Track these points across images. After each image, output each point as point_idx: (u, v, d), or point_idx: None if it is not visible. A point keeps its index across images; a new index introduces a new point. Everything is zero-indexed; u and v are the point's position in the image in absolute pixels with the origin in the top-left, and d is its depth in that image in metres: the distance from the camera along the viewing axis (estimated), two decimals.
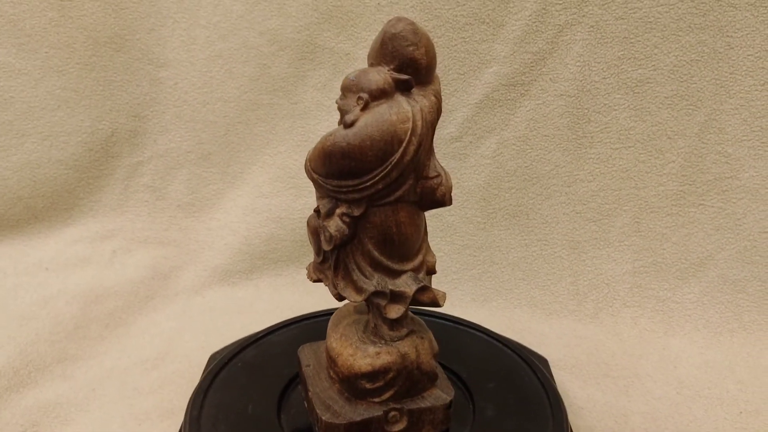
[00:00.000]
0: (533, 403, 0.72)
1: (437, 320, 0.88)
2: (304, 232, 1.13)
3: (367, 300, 0.61)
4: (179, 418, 0.76)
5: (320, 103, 1.12)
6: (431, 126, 0.57)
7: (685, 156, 1.04)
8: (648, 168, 1.05)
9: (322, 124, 1.12)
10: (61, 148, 1.15)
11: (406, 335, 0.63)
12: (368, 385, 0.63)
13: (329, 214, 0.59)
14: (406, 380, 0.63)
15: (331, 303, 0.91)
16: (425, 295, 0.60)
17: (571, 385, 0.88)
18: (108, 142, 1.17)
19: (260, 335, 0.85)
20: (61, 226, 1.17)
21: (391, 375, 0.62)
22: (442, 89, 0.61)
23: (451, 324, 0.89)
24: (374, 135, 0.54)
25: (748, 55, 0.99)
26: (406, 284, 0.59)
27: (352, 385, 0.63)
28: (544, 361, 0.86)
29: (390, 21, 0.57)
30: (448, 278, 1.10)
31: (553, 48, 1.04)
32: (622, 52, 1.02)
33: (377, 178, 0.55)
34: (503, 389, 0.75)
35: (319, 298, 0.99)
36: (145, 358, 0.93)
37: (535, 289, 1.08)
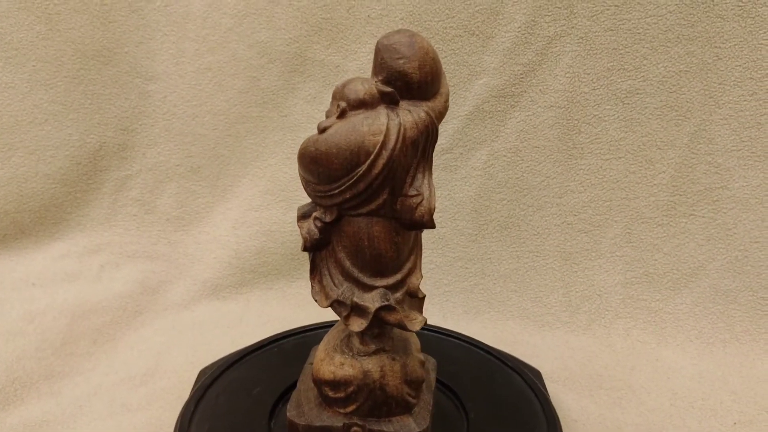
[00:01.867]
0: (527, 416, 0.72)
1: (429, 333, 0.88)
2: (294, 245, 1.13)
3: (332, 308, 0.61)
4: None
5: (310, 115, 1.12)
6: (411, 143, 0.55)
7: (675, 166, 1.04)
8: (638, 179, 1.05)
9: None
10: (49, 162, 1.14)
11: (373, 352, 0.62)
12: (331, 393, 0.63)
13: (305, 216, 0.59)
14: (367, 398, 0.62)
15: (323, 317, 0.91)
16: (391, 316, 0.59)
17: (564, 397, 0.88)
18: (96, 156, 1.16)
19: (250, 350, 0.84)
20: (48, 241, 1.15)
21: (351, 389, 0.62)
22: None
23: (443, 337, 0.89)
24: (341, 144, 0.54)
25: (737, 66, 1.00)
26: (372, 300, 0.58)
27: (320, 389, 0.64)
28: (537, 374, 0.85)
29: (389, 32, 0.57)
30: (440, 290, 1.09)
31: (542, 59, 1.04)
32: (612, 64, 1.02)
33: (344, 187, 0.55)
34: (497, 402, 0.74)
35: (311, 311, 0.98)
36: (133, 374, 0.92)
37: (527, 300, 1.07)
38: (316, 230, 0.58)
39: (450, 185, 1.09)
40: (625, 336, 1.02)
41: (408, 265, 0.60)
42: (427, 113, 0.56)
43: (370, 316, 0.58)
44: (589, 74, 1.03)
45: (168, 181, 1.18)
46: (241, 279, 1.13)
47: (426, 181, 0.57)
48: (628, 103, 1.03)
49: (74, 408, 0.84)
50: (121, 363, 0.94)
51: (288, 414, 0.64)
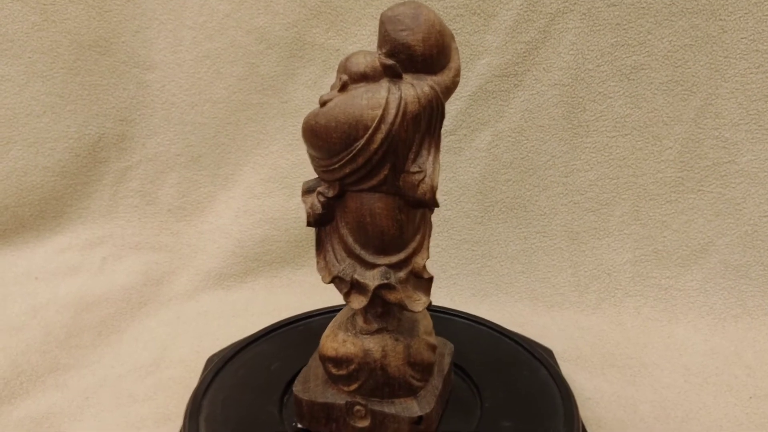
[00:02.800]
0: (542, 394, 0.70)
1: (439, 314, 0.86)
2: (298, 232, 1.12)
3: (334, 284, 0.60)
4: (177, 423, 0.74)
5: (311, 100, 1.10)
6: (413, 117, 0.53)
7: (682, 142, 1.03)
8: (645, 155, 1.04)
9: None
10: (48, 155, 1.12)
11: (375, 332, 0.61)
12: (334, 370, 0.62)
13: (309, 191, 0.58)
14: (368, 378, 0.61)
15: (329, 303, 0.90)
16: (391, 295, 0.58)
17: (576, 376, 0.87)
18: (95, 148, 1.15)
19: (259, 335, 0.83)
20: (49, 235, 1.14)
21: (353, 366, 0.61)
22: None
23: (453, 317, 0.87)
24: (339, 117, 0.53)
25: (742, 38, 0.98)
26: (373, 278, 0.58)
27: (324, 366, 0.63)
28: (549, 353, 0.84)
29: (395, 4, 0.55)
30: (447, 273, 1.08)
31: (545, 37, 1.02)
32: (616, 39, 1.01)
33: (343, 161, 0.54)
34: (510, 381, 0.73)
35: (317, 299, 0.97)
36: (139, 364, 0.91)
37: (536, 281, 1.06)
38: (319, 205, 0.58)
39: (454, 167, 1.08)
40: (636, 314, 1.01)
41: (413, 245, 0.59)
42: (432, 88, 0.54)
43: (370, 294, 0.58)
44: (593, 51, 1.02)
45: (169, 171, 1.16)
46: (245, 268, 1.12)
47: (431, 158, 0.55)
48: (633, 79, 1.02)
49: (81, 400, 0.83)
50: (127, 354, 0.93)
51: (293, 389, 0.64)
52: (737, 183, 1.02)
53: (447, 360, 0.69)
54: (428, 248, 0.60)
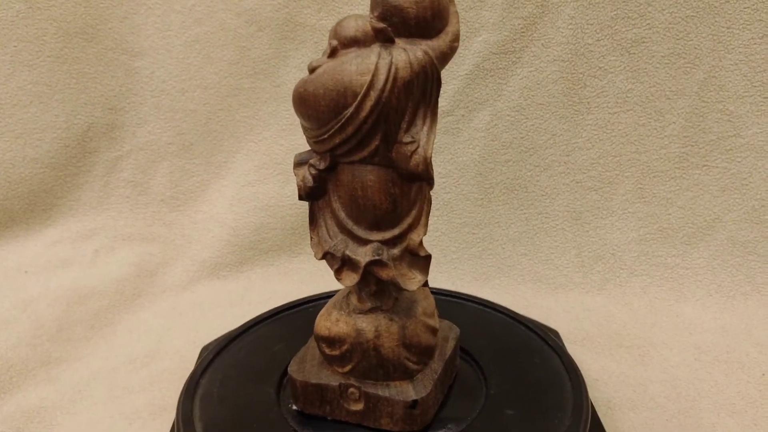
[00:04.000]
0: (551, 384, 0.67)
1: (446, 298, 0.84)
2: (294, 219, 1.09)
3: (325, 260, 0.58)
4: (172, 415, 0.71)
5: None
6: (404, 84, 0.50)
7: (685, 116, 1.00)
8: (648, 131, 1.02)
9: None
10: (36, 146, 1.10)
11: (369, 311, 0.59)
12: (327, 350, 0.60)
13: (301, 164, 0.56)
14: (362, 359, 0.59)
15: (327, 289, 0.87)
16: (383, 272, 0.55)
17: (583, 357, 0.84)
18: (84, 138, 1.12)
19: (253, 323, 0.80)
20: (39, 228, 1.11)
21: (345, 347, 0.59)
22: None
23: (461, 301, 0.85)
24: (327, 84, 0.50)
25: (745, 8, 0.96)
26: (364, 254, 0.55)
27: (318, 346, 0.61)
28: (555, 333, 0.82)
29: None
30: (448, 258, 1.06)
31: (543, 11, 1.00)
32: (615, 12, 0.98)
33: (332, 131, 0.52)
34: (519, 368, 0.70)
35: (314, 286, 0.95)
36: (133, 356, 0.89)
37: (539, 263, 1.04)
38: (310, 178, 0.55)
39: (453, 149, 1.05)
40: (642, 294, 0.99)
41: (408, 220, 0.56)
42: (426, 53, 0.51)
43: (361, 271, 0.55)
44: (592, 24, 0.99)
45: (160, 160, 1.14)
46: (241, 257, 1.09)
47: (425, 128, 0.52)
48: (634, 53, 0.99)
49: (73, 393, 0.81)
50: (121, 347, 0.91)
51: (289, 369, 0.62)
52: (743, 157, 0.99)
53: (450, 344, 0.66)
54: (426, 225, 0.57)
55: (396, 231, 0.55)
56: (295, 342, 0.70)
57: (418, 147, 0.52)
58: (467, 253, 1.06)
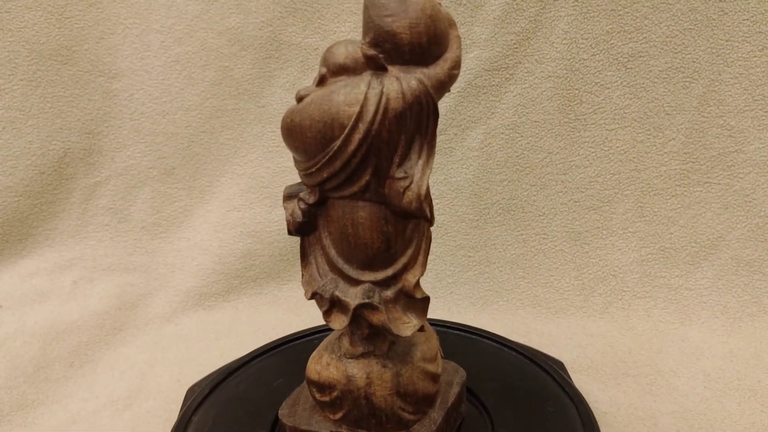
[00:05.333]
0: (558, 411, 0.64)
1: (445, 329, 0.80)
2: (282, 245, 1.06)
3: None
4: None
5: (290, 104, 1.03)
6: (396, 116, 0.46)
7: (685, 132, 0.98)
8: (647, 148, 0.99)
9: None
10: (10, 174, 1.05)
11: (360, 356, 0.55)
12: (318, 396, 0.57)
13: (291, 197, 0.53)
14: (353, 407, 0.55)
15: (318, 320, 0.83)
16: (374, 316, 0.51)
17: (590, 388, 0.81)
18: (61, 164, 1.08)
19: (243, 362, 0.76)
20: (15, 259, 1.07)
21: (336, 393, 0.55)
22: None
23: (459, 333, 0.81)
24: (314, 114, 0.47)
25: (744, 20, 0.94)
26: (355, 296, 0.51)
27: (309, 390, 0.58)
28: (560, 365, 0.78)
29: None
30: (443, 282, 1.02)
31: (536, 26, 0.97)
32: (611, 26, 0.96)
33: (320, 164, 0.48)
34: (528, 411, 0.65)
35: (305, 316, 0.91)
36: (115, 397, 0.84)
37: (538, 287, 1.01)
38: (299, 212, 0.52)
39: (446, 169, 1.02)
40: (646, 317, 0.96)
41: (403, 260, 0.51)
42: (420, 82, 0.47)
43: (351, 314, 0.51)
44: (587, 39, 0.97)
45: (141, 185, 1.10)
46: (227, 286, 1.05)
47: (420, 163, 0.48)
48: (631, 68, 0.97)
49: None
50: (102, 386, 0.86)
51: (279, 411, 0.59)
52: (745, 173, 0.97)
53: (455, 390, 0.61)
54: (424, 264, 0.52)
55: (389, 271, 0.51)
56: (296, 377, 0.66)
57: (411, 183, 0.48)
58: (463, 277, 1.02)
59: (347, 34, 1.00)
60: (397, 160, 0.48)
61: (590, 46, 0.97)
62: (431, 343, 0.58)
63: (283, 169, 1.05)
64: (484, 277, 1.02)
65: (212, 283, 1.05)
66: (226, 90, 1.06)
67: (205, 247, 1.07)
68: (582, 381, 0.81)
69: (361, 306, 0.51)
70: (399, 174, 0.48)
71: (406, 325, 0.52)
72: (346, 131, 0.46)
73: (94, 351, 0.94)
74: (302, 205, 0.52)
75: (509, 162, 1.01)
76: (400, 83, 0.46)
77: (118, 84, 1.07)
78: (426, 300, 0.53)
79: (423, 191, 0.48)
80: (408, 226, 0.51)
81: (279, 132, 1.06)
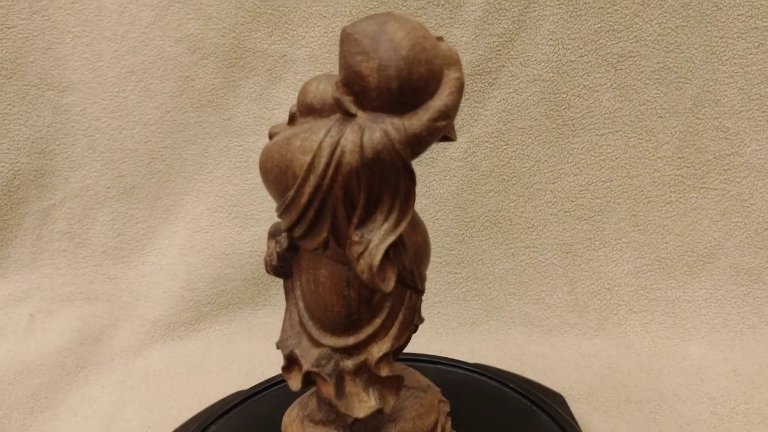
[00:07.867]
0: None
1: (420, 364, 0.75)
2: (255, 268, 1.00)
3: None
4: None
5: (258, 115, 0.98)
6: (351, 171, 0.40)
7: (679, 135, 0.95)
8: (640, 153, 0.96)
9: (263, 140, 0.97)
10: None
11: (320, 422, 0.49)
12: None
13: (273, 235, 0.48)
14: None
15: None
16: (323, 387, 0.46)
17: (590, 418, 0.77)
18: (10, 187, 1.03)
19: (218, 414, 0.69)
20: None
21: None
22: None
23: (441, 367, 0.76)
24: (275, 158, 0.43)
25: (739, 15, 0.91)
26: (310, 359, 0.46)
27: None
28: (560, 399, 0.73)
29: (365, 17, 0.42)
30: (429, 301, 0.97)
31: (520, 27, 0.93)
32: (599, 25, 0.92)
33: (281, 212, 0.43)
34: None
35: None
36: None
37: (529, 304, 0.97)
38: (275, 256, 0.47)
39: (427, 180, 0.98)
40: (644, 333, 0.92)
41: (368, 330, 0.46)
42: (386, 134, 0.39)
43: (301, 378, 0.46)
44: (574, 39, 0.93)
45: (99, 207, 1.05)
46: (197, 314, 1.00)
47: (384, 226, 0.42)
48: (622, 69, 0.94)
49: None
50: None
51: None
52: (743, 177, 0.94)
53: None
54: (399, 338, 0.46)
55: (350, 340, 0.46)
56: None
57: (364, 251, 0.41)
58: (450, 296, 0.98)
59: (317, 39, 0.94)
60: (356, 221, 0.42)
61: (578, 46, 0.93)
62: (424, 422, 0.50)
63: (253, 186, 0.99)
64: (472, 294, 0.97)
65: (181, 311, 1.00)
66: (188, 102, 1.00)
67: (172, 272, 1.02)
68: (582, 411, 0.77)
69: (310, 372, 0.46)
70: (355, 237, 0.42)
71: (361, 405, 0.46)
72: (298, 182, 0.41)
73: (56, 393, 0.88)
74: (278, 248, 0.47)
75: (495, 172, 0.97)
76: (360, 134, 0.39)
77: (69, 98, 1.01)
78: (396, 379, 0.47)
79: (376, 262, 0.41)
80: (376, 294, 0.45)
81: (246, 146, 1.00)
